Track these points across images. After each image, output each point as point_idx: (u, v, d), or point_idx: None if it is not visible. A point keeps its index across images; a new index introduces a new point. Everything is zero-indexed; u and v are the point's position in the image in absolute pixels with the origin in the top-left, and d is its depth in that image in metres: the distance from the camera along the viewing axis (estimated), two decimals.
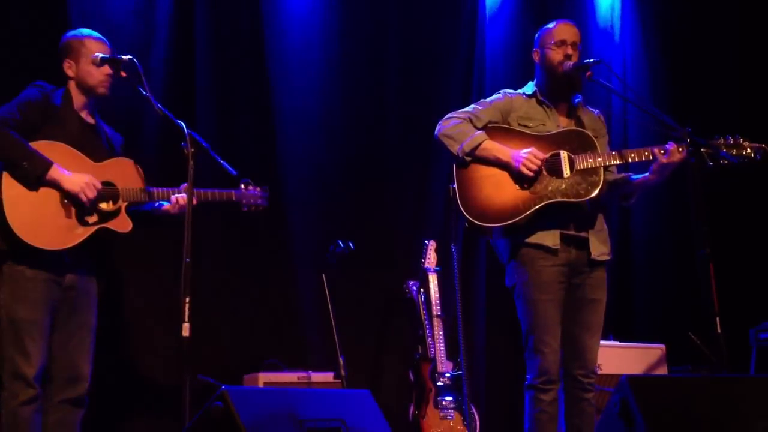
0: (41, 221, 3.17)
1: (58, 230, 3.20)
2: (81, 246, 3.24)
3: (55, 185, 3.19)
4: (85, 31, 3.43)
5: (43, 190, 3.18)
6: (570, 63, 3.46)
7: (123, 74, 3.24)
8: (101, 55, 3.30)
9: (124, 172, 3.35)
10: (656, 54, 5.88)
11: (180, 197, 3.37)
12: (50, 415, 3.28)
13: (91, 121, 3.40)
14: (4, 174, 3.14)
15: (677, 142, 3.37)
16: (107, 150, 3.41)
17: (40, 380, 3.23)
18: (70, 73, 3.35)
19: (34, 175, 3.14)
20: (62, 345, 3.29)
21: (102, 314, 4.24)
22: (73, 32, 3.43)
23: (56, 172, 3.17)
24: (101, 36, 3.41)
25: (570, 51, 3.46)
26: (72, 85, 3.36)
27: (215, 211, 3.85)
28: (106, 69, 3.32)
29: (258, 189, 3.55)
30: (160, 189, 3.38)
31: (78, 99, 3.36)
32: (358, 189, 5.00)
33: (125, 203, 3.31)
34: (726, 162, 3.38)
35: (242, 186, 3.53)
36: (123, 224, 3.30)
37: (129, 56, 3.24)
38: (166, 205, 3.42)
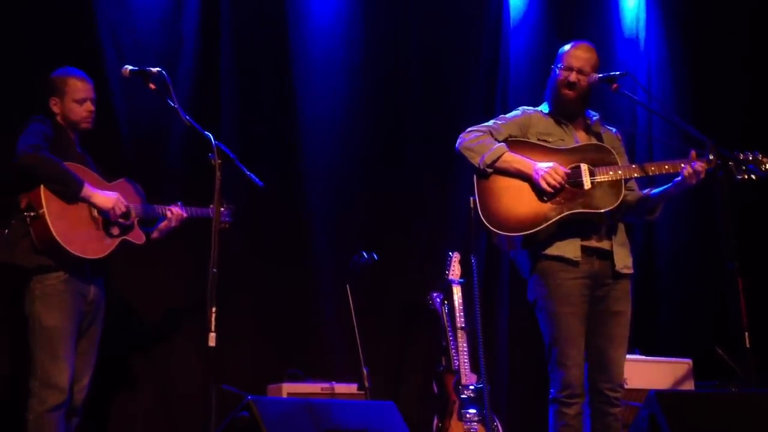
0: (79, 233, 3.40)
1: (92, 241, 3.44)
2: (103, 258, 3.47)
3: (87, 201, 3.42)
4: (70, 70, 3.62)
5: (75, 205, 3.40)
6: (596, 76, 3.47)
7: (152, 86, 3.28)
8: (130, 67, 3.35)
9: (127, 192, 3.61)
10: (681, 63, 5.85)
11: (174, 209, 3.68)
12: None
13: (80, 152, 3.61)
14: (43, 190, 3.33)
15: (701, 157, 3.36)
16: (102, 174, 3.63)
17: (71, 386, 3.35)
18: (56, 109, 3.56)
19: (72, 191, 3.38)
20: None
21: (128, 324, 4.30)
22: (58, 71, 3.61)
23: (89, 190, 3.42)
24: (85, 74, 3.61)
25: (573, 78, 3.47)
26: (59, 119, 3.56)
27: (239, 222, 3.89)
28: (88, 105, 3.56)
29: (223, 209, 3.77)
30: (158, 206, 3.68)
31: (69, 132, 3.58)
32: (382, 199, 5.00)
33: (136, 218, 3.59)
34: (750, 177, 3.37)
35: (211, 205, 3.67)
36: (138, 236, 3.62)
37: (158, 69, 3.28)
38: (162, 222, 3.68)
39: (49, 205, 3.32)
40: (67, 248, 3.32)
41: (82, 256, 3.36)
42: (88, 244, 3.41)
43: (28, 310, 3.37)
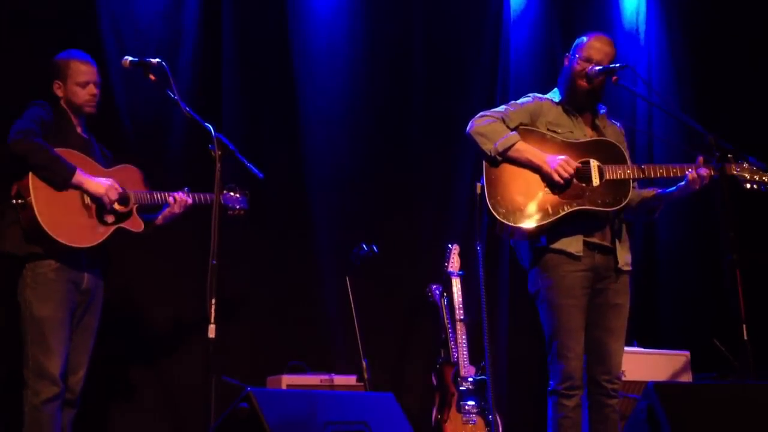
0: (68, 221, 3.33)
1: (83, 229, 3.38)
2: (98, 247, 3.40)
3: (79, 188, 3.36)
4: (73, 52, 3.57)
5: (66, 192, 3.34)
6: (595, 68, 3.45)
7: (152, 77, 3.28)
8: (130, 58, 3.35)
9: (130, 178, 3.54)
10: (682, 57, 5.85)
11: (177, 195, 3.58)
12: None
13: (86, 137, 3.56)
14: (31, 177, 3.27)
15: (706, 162, 3.37)
16: (104, 162, 3.57)
17: (64, 377, 3.31)
18: (59, 93, 3.50)
19: (62, 178, 3.31)
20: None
21: (128, 314, 4.31)
22: (61, 54, 3.56)
23: (80, 176, 3.35)
24: (88, 57, 3.55)
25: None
26: (63, 103, 3.50)
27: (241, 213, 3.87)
28: (91, 89, 3.50)
29: (238, 195, 3.75)
30: (162, 192, 3.58)
31: (72, 117, 3.52)
32: (382, 192, 5.00)
33: (135, 205, 3.50)
34: (759, 188, 3.39)
35: (225, 192, 3.69)
36: (136, 224, 3.52)
37: (158, 59, 3.28)
38: (166, 209, 3.59)
39: (36, 193, 3.25)
40: (55, 237, 3.25)
41: (70, 245, 3.29)
42: (78, 233, 3.33)
43: (20, 299, 3.34)
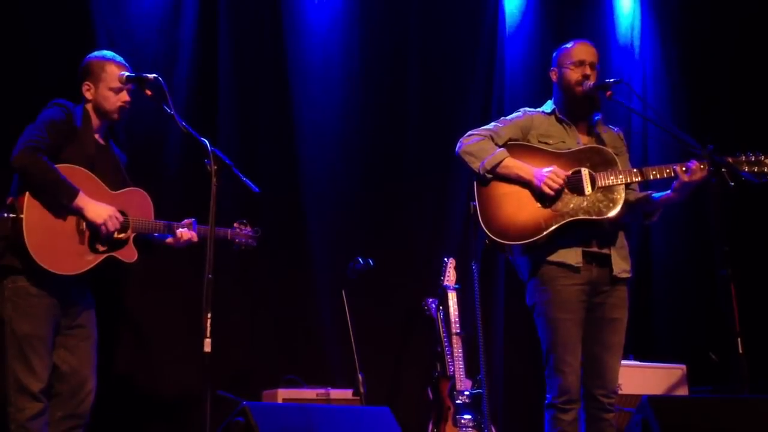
0: (56, 246, 3.17)
1: (70, 255, 3.21)
2: (79, 274, 3.24)
3: (78, 213, 3.21)
4: (108, 54, 3.45)
5: (62, 215, 3.19)
6: (589, 83, 3.47)
7: (148, 93, 3.27)
8: (126, 73, 3.35)
9: (136, 203, 3.38)
10: (676, 71, 5.88)
11: (183, 231, 3.42)
12: (51, 429, 3.24)
13: (103, 143, 3.43)
14: (27, 195, 3.15)
15: (699, 160, 3.36)
16: (118, 172, 3.45)
17: (47, 393, 3.21)
18: (88, 95, 3.37)
19: (61, 203, 3.16)
20: (66, 359, 3.28)
21: (123, 329, 4.30)
22: (95, 54, 3.45)
23: (82, 201, 3.19)
24: (123, 60, 3.43)
25: (588, 71, 3.48)
26: (89, 106, 3.38)
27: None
28: (124, 96, 3.37)
29: (249, 229, 3.65)
30: (166, 222, 3.42)
31: (94, 121, 3.39)
32: (378, 205, 5.02)
33: (133, 233, 3.34)
34: (744, 180, 3.36)
35: (236, 225, 3.62)
36: (129, 254, 3.34)
37: (154, 75, 3.28)
38: (168, 239, 3.45)
39: (29, 212, 3.11)
40: (37, 261, 3.10)
41: (52, 271, 3.13)
42: (64, 259, 3.17)
43: (1, 312, 3.19)
